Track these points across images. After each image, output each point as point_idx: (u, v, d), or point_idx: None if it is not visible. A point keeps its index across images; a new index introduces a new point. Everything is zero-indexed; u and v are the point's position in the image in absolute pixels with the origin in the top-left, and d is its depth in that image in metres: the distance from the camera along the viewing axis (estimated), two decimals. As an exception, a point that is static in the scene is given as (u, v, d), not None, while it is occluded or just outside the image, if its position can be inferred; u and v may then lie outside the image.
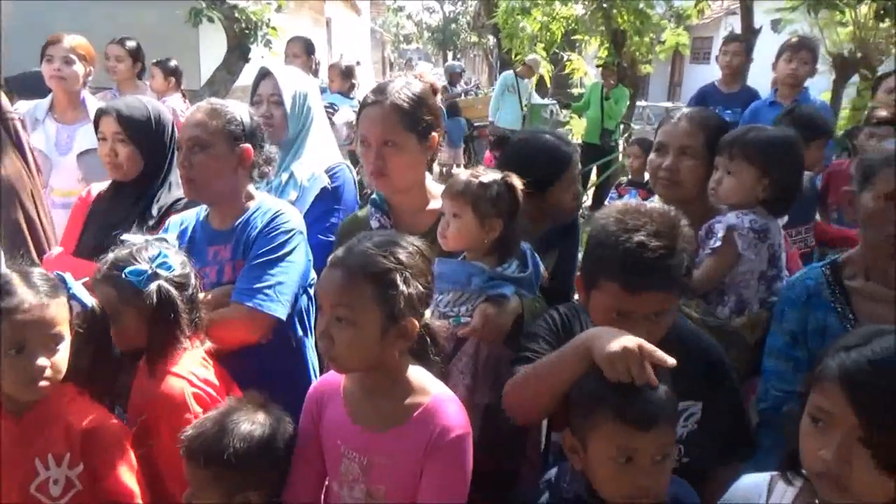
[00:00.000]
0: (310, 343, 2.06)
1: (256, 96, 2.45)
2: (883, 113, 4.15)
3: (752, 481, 1.25)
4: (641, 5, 8.78)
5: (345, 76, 5.29)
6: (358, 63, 5.96)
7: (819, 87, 8.29)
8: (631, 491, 1.22)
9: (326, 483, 1.51)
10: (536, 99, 8.45)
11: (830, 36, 8.49)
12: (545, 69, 9.56)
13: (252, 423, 1.44)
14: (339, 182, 2.43)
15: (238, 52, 6.31)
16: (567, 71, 10.69)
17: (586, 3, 9.29)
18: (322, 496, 1.53)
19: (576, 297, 1.94)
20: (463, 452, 1.38)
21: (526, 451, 1.78)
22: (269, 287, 1.82)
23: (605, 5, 8.72)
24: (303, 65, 4.46)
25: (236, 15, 6.06)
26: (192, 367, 1.63)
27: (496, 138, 2.12)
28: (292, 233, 1.91)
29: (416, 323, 1.40)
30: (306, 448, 1.50)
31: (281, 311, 1.83)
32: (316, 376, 2.04)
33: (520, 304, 1.72)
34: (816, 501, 1.14)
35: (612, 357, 1.21)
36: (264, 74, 2.46)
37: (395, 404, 1.40)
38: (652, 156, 2.09)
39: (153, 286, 1.59)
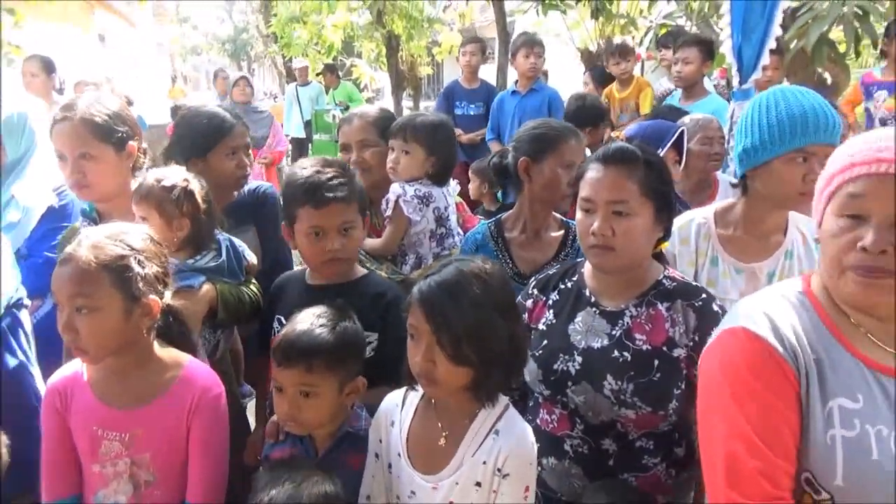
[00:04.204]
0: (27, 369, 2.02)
1: None
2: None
3: (393, 397, 1.57)
4: (412, 12, 9.36)
5: (96, 94, 5.10)
6: (174, 79, 5.71)
7: (570, 77, 9.35)
8: (280, 416, 1.56)
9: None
10: (320, 105, 8.71)
11: (580, 33, 9.59)
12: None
13: None
14: (66, 200, 2.46)
15: (-23, 73, 5.80)
16: (355, 76, 11.09)
17: (359, 11, 9.69)
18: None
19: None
20: (222, 409, 1.61)
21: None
22: None
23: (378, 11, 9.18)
24: (42, 84, 4.28)
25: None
26: None
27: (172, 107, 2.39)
28: None
29: (158, 300, 1.56)
30: (56, 443, 1.58)
31: None
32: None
33: (212, 289, 1.93)
34: (431, 400, 1.48)
35: None
36: None
37: (151, 380, 1.58)
38: (341, 154, 2.41)
39: None
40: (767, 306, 1.19)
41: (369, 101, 11.40)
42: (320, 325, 1.55)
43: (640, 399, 1.54)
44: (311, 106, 8.81)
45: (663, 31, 5.65)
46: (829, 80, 5.52)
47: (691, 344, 1.55)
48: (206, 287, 1.91)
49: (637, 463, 1.60)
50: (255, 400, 2.21)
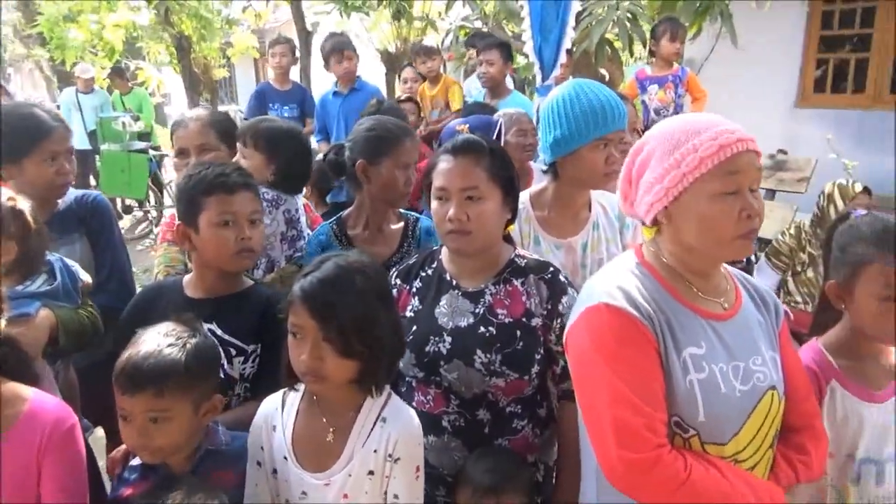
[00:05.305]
0: None
1: None
2: (404, 96, 5.11)
3: (271, 401, 1.54)
4: (202, 11, 8.87)
5: None
6: None
7: (372, 78, 9.49)
8: (130, 445, 1.47)
9: None
10: (107, 112, 7.93)
11: (379, 34, 9.76)
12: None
13: None
14: None
15: None
16: (140, 80, 10.24)
17: (145, 9, 8.97)
18: None
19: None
20: (77, 442, 1.44)
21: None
22: None
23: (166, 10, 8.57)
24: None
25: None
26: None
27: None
28: None
29: None
30: None
31: None
32: None
33: (51, 315, 1.75)
34: (314, 397, 1.47)
35: None
36: None
37: None
38: (175, 160, 2.27)
39: None
40: (618, 280, 1.35)
41: (158, 107, 10.61)
42: (168, 345, 1.44)
43: (508, 367, 1.66)
44: (94, 115, 8.00)
45: (463, 33, 5.98)
46: (607, 77, 6.24)
47: (545, 312, 1.70)
48: (44, 313, 1.72)
49: (508, 427, 1.72)
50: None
